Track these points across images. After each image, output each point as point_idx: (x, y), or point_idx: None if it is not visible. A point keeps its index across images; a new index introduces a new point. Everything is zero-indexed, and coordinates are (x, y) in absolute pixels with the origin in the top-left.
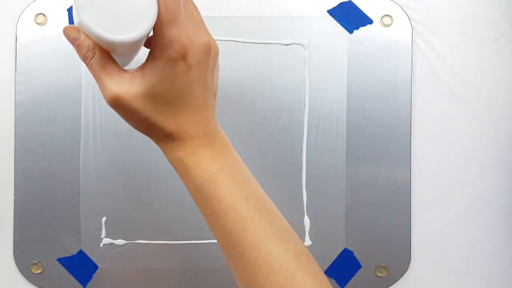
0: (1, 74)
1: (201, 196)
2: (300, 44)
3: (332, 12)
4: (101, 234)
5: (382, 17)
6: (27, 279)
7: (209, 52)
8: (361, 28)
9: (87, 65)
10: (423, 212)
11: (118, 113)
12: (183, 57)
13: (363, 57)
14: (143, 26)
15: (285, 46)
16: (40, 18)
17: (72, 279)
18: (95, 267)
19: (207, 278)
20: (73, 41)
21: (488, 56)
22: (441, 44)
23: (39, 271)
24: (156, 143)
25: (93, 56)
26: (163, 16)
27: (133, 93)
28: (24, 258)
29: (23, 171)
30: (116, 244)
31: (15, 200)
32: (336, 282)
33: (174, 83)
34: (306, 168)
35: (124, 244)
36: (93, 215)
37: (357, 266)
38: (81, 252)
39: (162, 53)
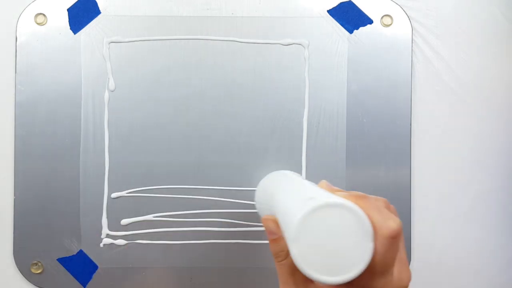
0: (1, 74)
1: None
2: (300, 44)
3: (332, 12)
4: (101, 234)
5: (382, 17)
6: (27, 279)
7: None
8: (361, 28)
9: (276, 263)
10: (423, 212)
11: None
12: None
13: (363, 57)
14: (349, 273)
15: (285, 46)
16: (40, 18)
17: (72, 279)
18: (95, 267)
19: (207, 278)
20: (269, 233)
21: (488, 56)
22: (441, 44)
23: (39, 271)
24: None
25: (285, 258)
26: (376, 268)
27: None
28: (24, 258)
29: (23, 171)
30: (116, 244)
31: (15, 200)
32: None
33: None
34: (306, 168)
35: (124, 244)
36: (93, 215)
37: None
38: (81, 252)
39: None
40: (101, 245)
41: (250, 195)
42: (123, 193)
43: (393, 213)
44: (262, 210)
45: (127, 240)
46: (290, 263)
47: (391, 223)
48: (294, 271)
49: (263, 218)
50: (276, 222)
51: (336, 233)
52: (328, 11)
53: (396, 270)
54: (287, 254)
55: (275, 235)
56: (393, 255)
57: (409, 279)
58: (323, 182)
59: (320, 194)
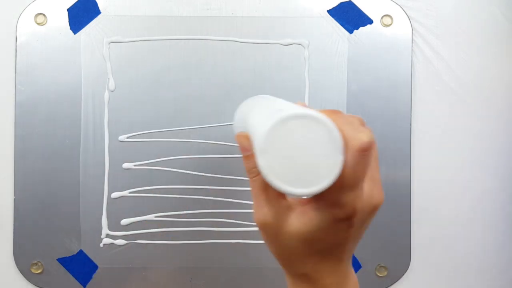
0: (1, 74)
1: None
2: (300, 44)
3: (332, 12)
4: (101, 234)
5: (382, 17)
6: (27, 279)
7: (375, 211)
8: (361, 28)
9: (249, 178)
10: (423, 212)
11: (262, 235)
12: (349, 219)
13: (363, 57)
14: (317, 185)
15: (285, 46)
16: (40, 18)
17: (72, 279)
18: (95, 267)
19: (207, 278)
20: (243, 150)
21: (488, 56)
22: (441, 44)
23: (39, 271)
24: (285, 272)
25: (258, 174)
26: (345, 181)
27: (284, 228)
28: (24, 258)
29: (23, 171)
30: (116, 244)
31: (15, 200)
32: None
33: (330, 237)
34: None
35: (124, 244)
36: (93, 215)
37: (357, 266)
38: (81, 252)
39: (328, 209)
40: (101, 245)
41: (250, 196)
42: (124, 193)
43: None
44: (237, 131)
45: (127, 240)
46: (262, 180)
47: (362, 135)
48: (267, 187)
49: (236, 135)
50: (248, 138)
51: (306, 145)
52: (328, 11)
53: (367, 187)
54: (259, 171)
55: (248, 152)
56: (363, 169)
57: (380, 198)
58: (300, 102)
59: (291, 107)
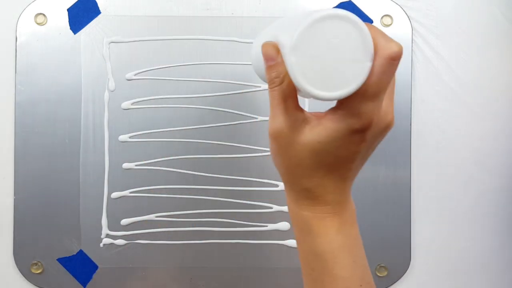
0: (1, 74)
1: (315, 264)
2: None
3: None
4: (101, 234)
5: (382, 17)
6: (27, 279)
7: (387, 131)
8: None
9: (269, 88)
10: (423, 212)
11: (271, 144)
12: (363, 131)
13: None
14: (342, 90)
15: None
16: (40, 18)
17: (72, 279)
18: (95, 267)
19: (207, 278)
20: (267, 59)
21: (488, 56)
22: (441, 44)
23: (39, 271)
24: (286, 187)
25: (279, 84)
26: (368, 89)
27: (297, 138)
28: (24, 258)
29: (23, 171)
30: (116, 244)
31: (15, 200)
32: None
33: (340, 149)
34: None
35: (124, 244)
36: (93, 215)
37: None
38: (81, 252)
39: (345, 118)
40: (101, 245)
41: (251, 196)
42: (124, 193)
43: None
44: (258, 55)
45: (127, 240)
46: (284, 89)
47: (393, 45)
48: (287, 98)
49: (263, 44)
50: (276, 47)
51: (337, 47)
52: None
53: (385, 104)
54: (282, 79)
55: (273, 61)
56: (388, 79)
57: (393, 119)
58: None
59: (326, 8)
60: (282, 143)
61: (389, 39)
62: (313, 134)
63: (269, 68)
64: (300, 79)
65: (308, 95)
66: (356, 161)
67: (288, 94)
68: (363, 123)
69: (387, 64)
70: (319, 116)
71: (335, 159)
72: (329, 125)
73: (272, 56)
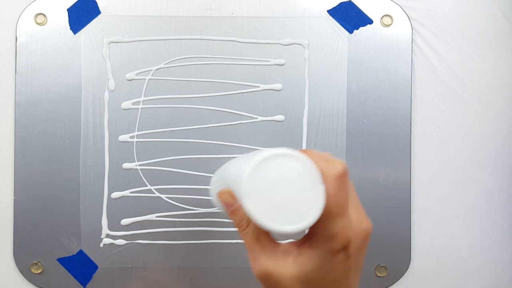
0: (1, 74)
1: None
2: (300, 44)
3: (332, 12)
4: (101, 234)
5: (382, 17)
6: (27, 279)
7: (369, 237)
8: (361, 28)
9: (240, 233)
10: (423, 212)
11: (263, 286)
12: (345, 248)
13: (363, 57)
14: (307, 219)
15: (285, 46)
16: (40, 18)
17: (72, 279)
18: (95, 267)
19: (207, 278)
20: (227, 206)
21: (488, 56)
22: (441, 44)
23: (39, 271)
24: None
25: (247, 226)
26: (331, 210)
27: (285, 273)
28: (24, 258)
29: (23, 171)
30: (116, 244)
31: (15, 200)
32: None
33: (331, 273)
34: None
35: (124, 244)
36: (93, 215)
37: None
38: (81, 252)
39: (323, 243)
40: (101, 245)
41: None
42: (124, 193)
43: None
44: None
45: (127, 240)
46: (254, 230)
47: (335, 164)
48: (259, 237)
49: (218, 193)
50: (231, 194)
51: (286, 182)
52: (328, 11)
53: (354, 215)
54: (248, 221)
55: (233, 206)
56: (344, 195)
57: (369, 224)
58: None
59: (266, 150)
60: (272, 282)
61: (330, 161)
62: (299, 265)
63: (231, 214)
64: (262, 220)
65: (277, 234)
66: (351, 277)
67: (259, 232)
68: (342, 242)
69: (337, 184)
70: (296, 244)
71: (330, 283)
72: (311, 253)
73: (230, 202)
